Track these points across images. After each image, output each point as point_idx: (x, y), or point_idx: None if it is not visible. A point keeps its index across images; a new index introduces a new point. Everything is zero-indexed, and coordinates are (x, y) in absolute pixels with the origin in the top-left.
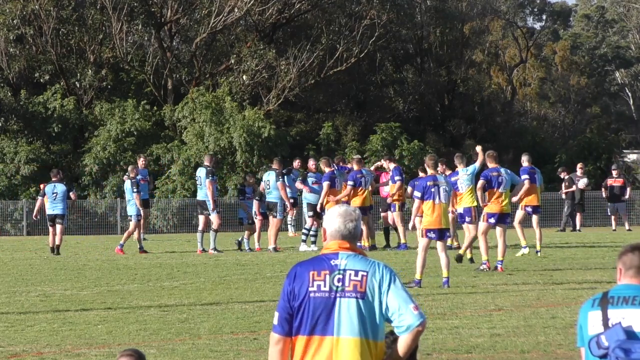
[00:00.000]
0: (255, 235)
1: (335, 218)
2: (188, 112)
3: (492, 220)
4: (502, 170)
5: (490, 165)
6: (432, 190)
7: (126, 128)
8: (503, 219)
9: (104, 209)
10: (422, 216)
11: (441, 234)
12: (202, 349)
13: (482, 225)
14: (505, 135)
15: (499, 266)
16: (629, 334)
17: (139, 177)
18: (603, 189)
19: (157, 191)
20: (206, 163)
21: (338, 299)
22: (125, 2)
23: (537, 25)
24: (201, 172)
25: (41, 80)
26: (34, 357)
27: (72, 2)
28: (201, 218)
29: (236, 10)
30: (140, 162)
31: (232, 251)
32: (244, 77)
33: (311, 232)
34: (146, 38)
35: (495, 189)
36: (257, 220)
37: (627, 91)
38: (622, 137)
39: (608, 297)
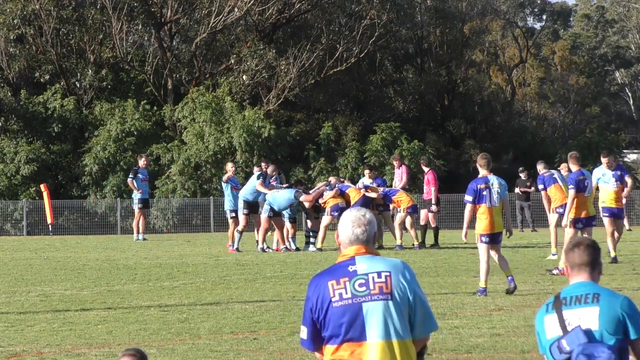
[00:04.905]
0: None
1: (345, 224)
2: (188, 112)
3: (579, 225)
4: (587, 172)
5: (574, 168)
6: (484, 193)
7: (126, 128)
8: (590, 222)
9: (104, 209)
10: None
11: (493, 238)
12: (202, 349)
13: (569, 231)
14: (505, 135)
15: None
16: (589, 335)
17: (140, 176)
18: None
19: (157, 191)
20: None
21: (364, 304)
22: (125, 2)
23: (537, 25)
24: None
25: (41, 80)
26: (34, 357)
27: (72, 2)
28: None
29: (236, 10)
30: (142, 162)
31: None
32: (244, 77)
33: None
34: (146, 38)
35: (580, 194)
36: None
37: (627, 91)
38: (622, 137)
39: (561, 299)
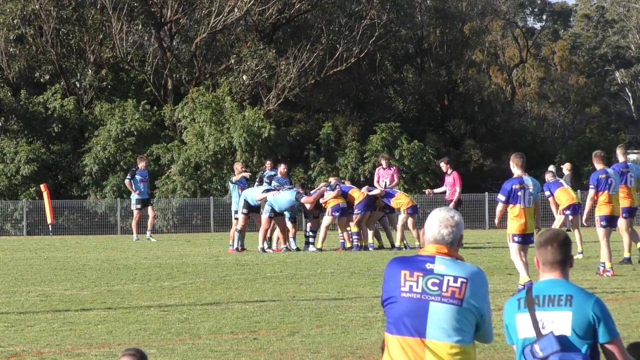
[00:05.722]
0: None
1: (432, 222)
2: (188, 112)
3: (604, 224)
4: (610, 171)
5: (598, 166)
6: (519, 193)
7: (126, 128)
8: (614, 221)
9: (104, 209)
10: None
11: (525, 239)
12: (202, 349)
13: (600, 231)
14: (505, 135)
15: (602, 268)
16: (562, 342)
17: (138, 177)
18: None
19: (157, 191)
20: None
21: (432, 303)
22: (125, 2)
23: (537, 26)
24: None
25: (41, 80)
26: (34, 357)
27: (72, 2)
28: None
29: (236, 10)
30: (142, 164)
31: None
32: (244, 77)
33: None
34: (146, 38)
35: (604, 192)
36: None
37: (627, 91)
38: (621, 137)
39: (533, 297)
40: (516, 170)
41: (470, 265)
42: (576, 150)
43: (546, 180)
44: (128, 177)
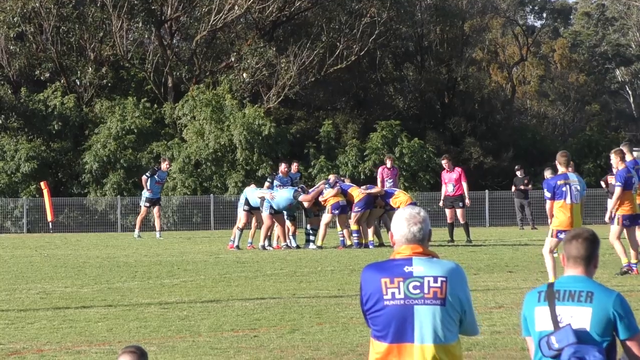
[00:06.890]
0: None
1: (399, 222)
2: (188, 110)
3: (626, 223)
4: (632, 169)
5: (621, 165)
6: (563, 189)
7: (126, 126)
8: (636, 220)
9: (104, 206)
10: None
11: None
12: (202, 346)
13: (615, 228)
14: (505, 133)
15: (635, 268)
16: (580, 335)
17: (156, 178)
18: (603, 183)
19: None
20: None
21: (416, 307)
22: (125, 0)
23: (538, 24)
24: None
25: (41, 78)
26: (34, 355)
27: None
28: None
29: (236, 7)
30: (164, 165)
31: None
32: (244, 74)
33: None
34: (146, 36)
35: (628, 191)
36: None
37: (627, 89)
38: (622, 135)
39: (554, 291)
40: (560, 168)
41: (447, 262)
42: (576, 148)
43: (545, 177)
44: (147, 174)
